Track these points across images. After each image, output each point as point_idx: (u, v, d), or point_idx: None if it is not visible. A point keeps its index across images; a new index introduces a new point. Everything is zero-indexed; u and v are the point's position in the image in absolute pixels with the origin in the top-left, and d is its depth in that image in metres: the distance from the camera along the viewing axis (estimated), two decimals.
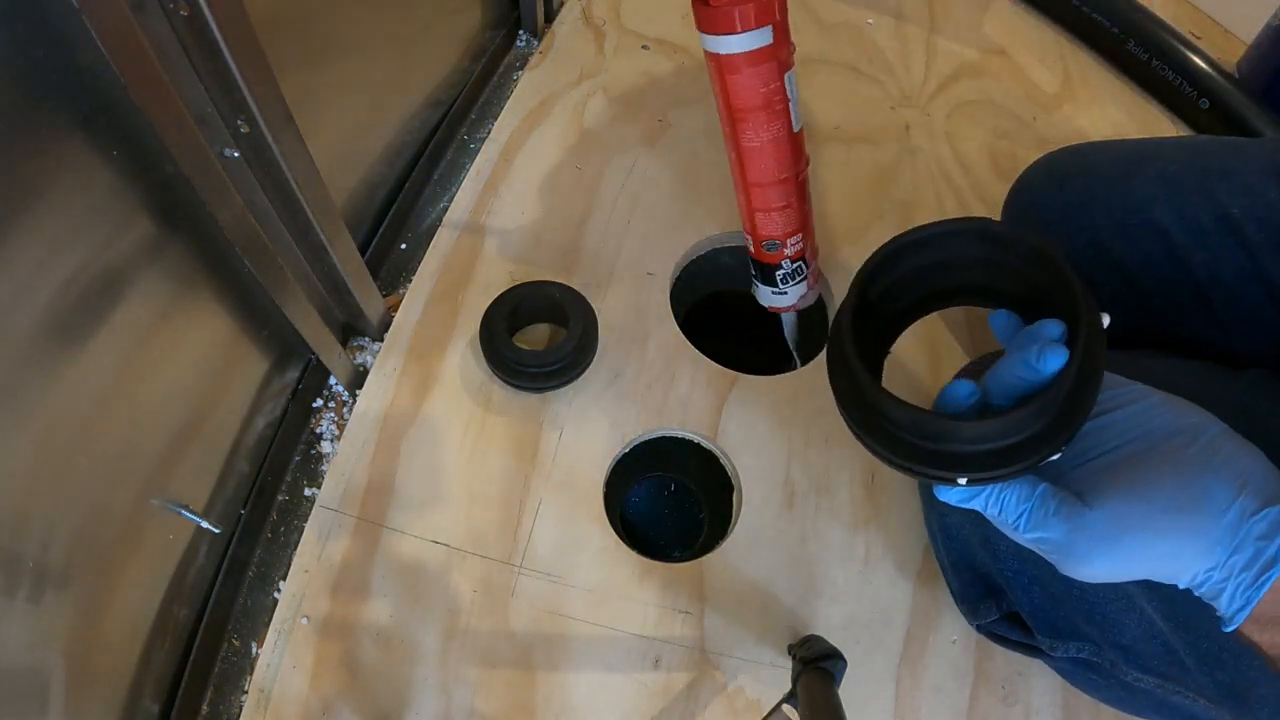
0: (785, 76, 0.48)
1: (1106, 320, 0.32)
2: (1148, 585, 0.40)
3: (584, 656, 0.51)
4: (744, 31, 0.45)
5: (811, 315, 0.73)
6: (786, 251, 0.57)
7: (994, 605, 0.48)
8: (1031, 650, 0.49)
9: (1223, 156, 0.52)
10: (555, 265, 0.66)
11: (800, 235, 0.57)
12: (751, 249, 0.59)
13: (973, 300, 0.38)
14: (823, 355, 0.64)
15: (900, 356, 0.64)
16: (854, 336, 0.34)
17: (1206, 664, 0.39)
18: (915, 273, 0.38)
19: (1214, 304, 0.50)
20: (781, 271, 0.59)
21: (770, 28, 0.46)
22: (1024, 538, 0.33)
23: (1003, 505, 0.33)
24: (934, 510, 0.52)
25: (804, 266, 0.60)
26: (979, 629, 0.51)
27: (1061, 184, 0.58)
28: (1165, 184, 0.52)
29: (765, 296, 0.63)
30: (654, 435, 0.60)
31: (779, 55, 0.47)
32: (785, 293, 0.61)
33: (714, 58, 0.47)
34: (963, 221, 0.36)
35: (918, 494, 0.57)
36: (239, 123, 0.40)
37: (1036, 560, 0.44)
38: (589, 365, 0.60)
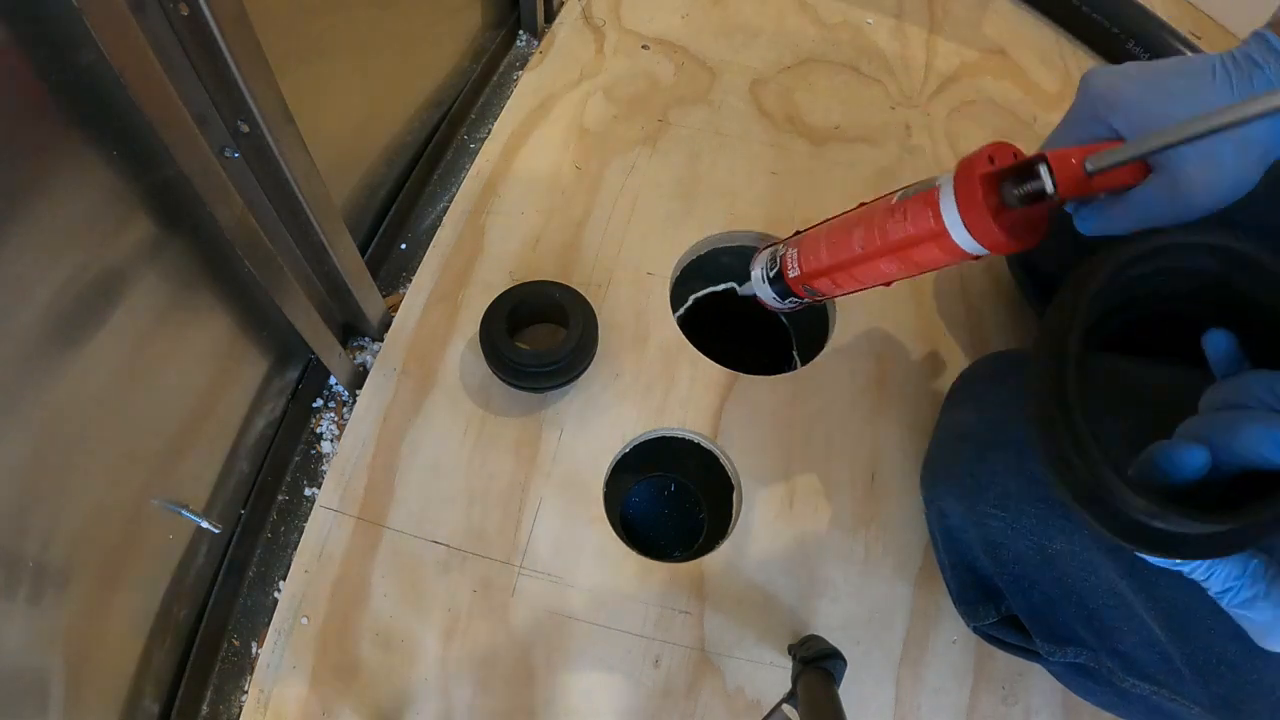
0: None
1: None
2: (1148, 594, 0.40)
3: (584, 656, 0.51)
4: (976, 241, 0.42)
5: (814, 306, 0.73)
6: (807, 299, 0.59)
7: (993, 608, 0.48)
8: (1029, 654, 0.49)
9: None
10: (555, 265, 0.66)
11: (825, 298, 0.59)
12: (790, 272, 0.58)
13: (1196, 322, 0.34)
14: (821, 357, 0.64)
15: (897, 354, 0.64)
16: (1079, 390, 0.31)
17: (1202, 675, 0.39)
18: (1134, 292, 0.34)
19: None
20: (792, 300, 0.60)
21: (985, 251, 0.43)
22: (1227, 609, 0.32)
23: (1211, 575, 0.32)
24: (935, 512, 0.52)
25: (800, 304, 0.62)
26: (976, 631, 0.51)
27: None
28: None
29: (761, 287, 0.62)
30: (654, 435, 0.60)
31: (967, 258, 0.46)
32: (782, 303, 0.62)
33: (938, 215, 0.44)
34: (1195, 233, 0.33)
35: (917, 494, 0.57)
36: (239, 123, 0.40)
37: (1036, 565, 0.44)
38: (589, 365, 0.60)
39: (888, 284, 0.53)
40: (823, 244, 0.55)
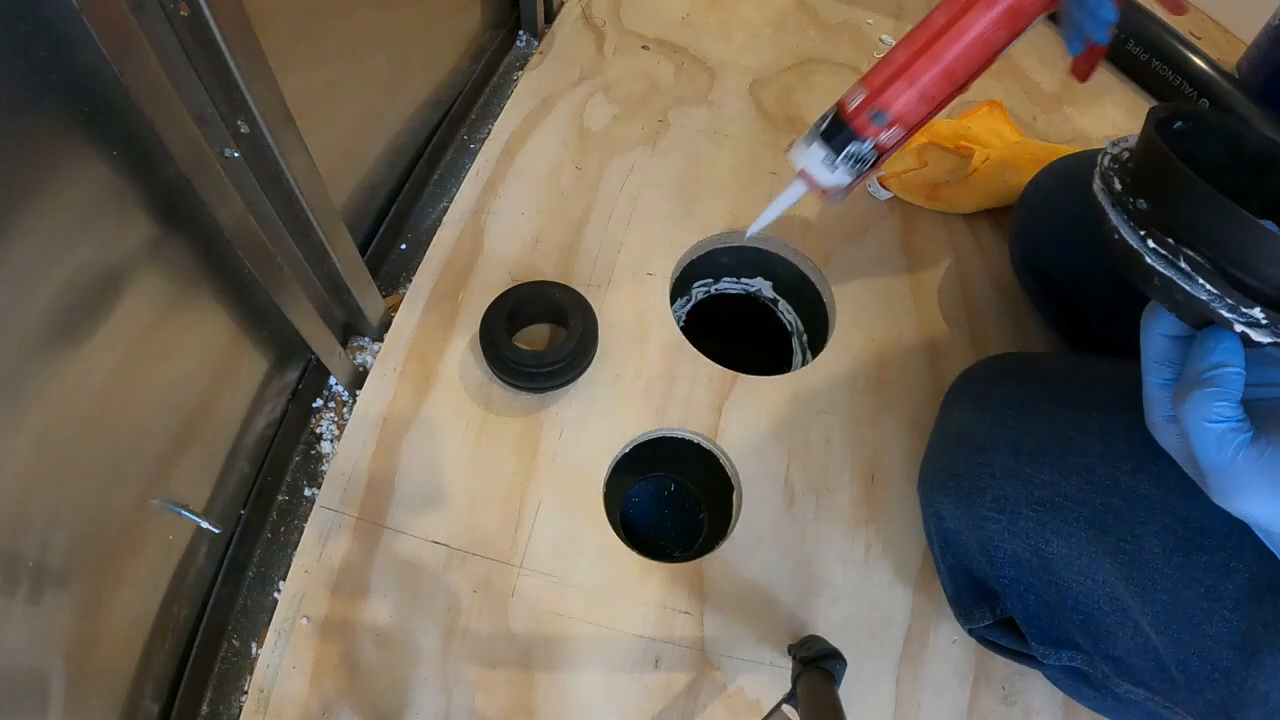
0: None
1: None
2: (1145, 599, 0.40)
3: (584, 656, 0.51)
4: None
5: (814, 306, 0.73)
6: (880, 136, 0.49)
7: (988, 610, 0.48)
8: (1022, 657, 0.49)
9: None
10: (555, 265, 0.66)
11: (903, 137, 0.50)
12: (850, 106, 0.49)
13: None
14: (821, 357, 0.64)
15: (898, 355, 0.64)
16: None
17: (1196, 682, 0.39)
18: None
19: None
20: (855, 147, 0.49)
21: None
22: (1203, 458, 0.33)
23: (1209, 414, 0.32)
24: (931, 515, 0.52)
25: (871, 163, 0.51)
26: (971, 633, 0.51)
27: (1077, 192, 0.58)
28: None
29: (808, 157, 0.51)
30: (654, 435, 0.60)
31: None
32: (834, 168, 0.50)
33: None
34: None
35: (916, 494, 0.57)
36: (239, 123, 0.40)
37: (1033, 568, 0.44)
38: (589, 365, 0.60)
39: (974, 73, 0.48)
40: (897, 49, 0.48)
